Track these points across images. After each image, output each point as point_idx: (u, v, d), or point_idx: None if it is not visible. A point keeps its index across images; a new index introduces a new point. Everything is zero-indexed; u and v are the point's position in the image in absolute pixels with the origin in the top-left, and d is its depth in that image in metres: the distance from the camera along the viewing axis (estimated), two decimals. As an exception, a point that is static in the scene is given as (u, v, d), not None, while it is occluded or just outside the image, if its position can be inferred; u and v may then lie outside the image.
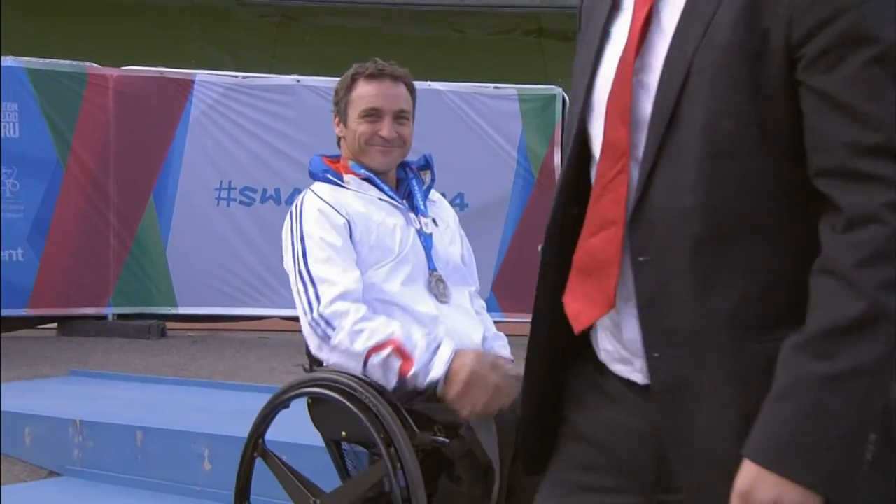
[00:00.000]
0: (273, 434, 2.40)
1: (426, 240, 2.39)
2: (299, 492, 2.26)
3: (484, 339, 2.41)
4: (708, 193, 1.17)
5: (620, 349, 1.29)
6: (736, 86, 1.16)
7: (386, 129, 2.39)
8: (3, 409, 4.38)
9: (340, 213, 2.32)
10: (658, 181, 1.21)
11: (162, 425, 3.82)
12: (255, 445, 2.35)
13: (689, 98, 1.18)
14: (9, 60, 7.27)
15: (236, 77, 7.70)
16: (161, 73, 7.61)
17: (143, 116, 7.45)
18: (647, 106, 1.23)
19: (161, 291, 7.50)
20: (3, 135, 7.18)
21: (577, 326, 1.31)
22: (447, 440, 2.12)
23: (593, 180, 1.31)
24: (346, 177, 2.41)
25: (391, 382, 2.18)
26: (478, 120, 7.70)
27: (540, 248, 1.42)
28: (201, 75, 7.67)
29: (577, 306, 1.31)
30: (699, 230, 1.18)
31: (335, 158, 2.49)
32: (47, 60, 7.46)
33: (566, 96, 7.82)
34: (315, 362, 2.31)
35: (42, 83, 7.26)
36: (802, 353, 1.12)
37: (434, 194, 2.57)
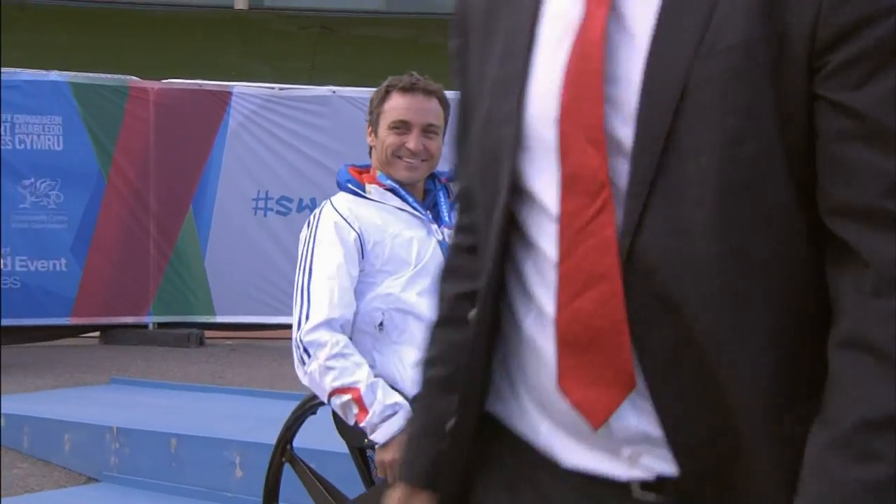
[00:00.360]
0: (303, 441, 2.45)
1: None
2: (324, 498, 2.30)
3: None
4: (725, 238, 0.93)
5: (599, 438, 0.99)
6: (757, 100, 0.92)
7: (413, 141, 2.42)
8: (43, 416, 4.50)
9: (352, 227, 2.36)
10: (652, 223, 0.95)
11: (196, 432, 3.89)
12: (284, 451, 2.40)
13: (688, 117, 0.93)
14: (53, 75, 7.45)
15: (273, 88, 7.81)
16: (200, 85, 7.75)
17: (183, 128, 7.59)
18: (621, 128, 0.96)
19: (200, 300, 7.62)
20: (47, 147, 7.36)
21: (597, 418, 0.98)
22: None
23: (538, 227, 1.02)
24: (369, 187, 2.45)
25: (350, 423, 2.28)
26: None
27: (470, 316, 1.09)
28: (239, 87, 7.80)
29: (586, 392, 0.98)
30: (718, 285, 0.93)
31: (365, 168, 2.53)
32: (90, 74, 7.64)
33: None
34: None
35: (85, 97, 7.43)
36: (837, 453, 0.89)
37: None
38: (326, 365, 2.24)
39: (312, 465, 2.40)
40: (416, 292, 2.34)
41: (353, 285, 2.33)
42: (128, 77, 7.71)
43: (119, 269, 7.55)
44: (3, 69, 7.76)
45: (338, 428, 2.36)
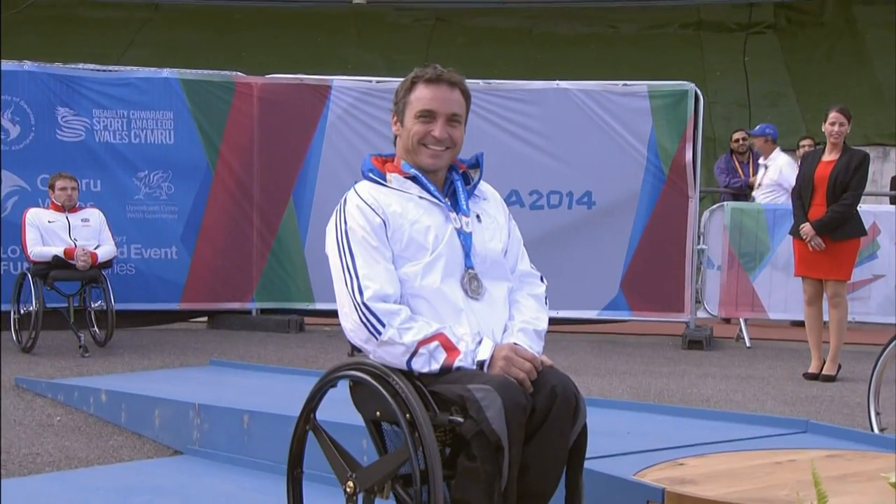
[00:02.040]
0: (328, 415, 2.63)
1: (465, 238, 2.53)
2: (339, 464, 2.48)
3: (504, 331, 2.51)
4: None
5: None
6: None
7: (438, 129, 2.53)
8: (139, 392, 4.86)
9: (377, 213, 2.49)
10: None
11: (267, 409, 4.14)
12: (308, 419, 2.59)
13: None
14: (165, 72, 7.93)
15: (370, 81, 8.06)
16: (300, 79, 8.08)
17: (284, 121, 7.94)
18: None
19: (300, 288, 7.96)
20: (160, 141, 7.83)
21: None
22: (462, 420, 2.28)
23: None
24: (390, 175, 2.57)
25: (434, 371, 2.37)
26: (606, 118, 7.71)
27: None
28: (338, 80, 8.08)
29: None
30: None
31: (390, 157, 2.67)
32: (198, 71, 8.07)
33: (699, 92, 7.71)
34: (356, 348, 2.52)
35: (194, 93, 7.87)
36: None
37: (486, 189, 2.71)
38: (404, 327, 2.38)
39: (332, 435, 2.56)
40: (431, 278, 2.47)
41: (393, 265, 2.46)
42: (233, 73, 8.11)
43: (225, 257, 7.97)
44: (121, 67, 8.32)
45: (354, 402, 2.52)
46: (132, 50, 14.95)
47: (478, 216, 2.60)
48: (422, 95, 2.56)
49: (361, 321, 2.41)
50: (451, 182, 2.63)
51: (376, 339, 2.39)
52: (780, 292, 7.86)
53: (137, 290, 7.74)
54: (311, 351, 7.04)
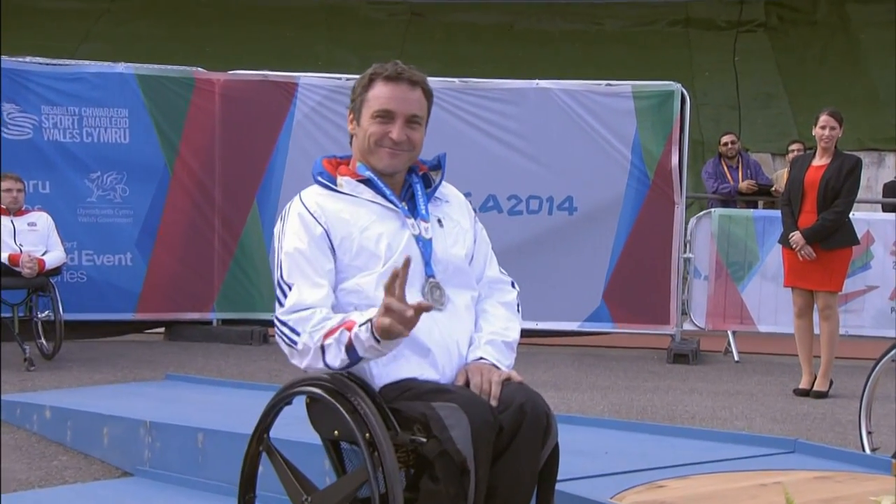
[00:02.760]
0: (284, 433, 2.58)
1: (425, 245, 2.49)
2: (293, 487, 2.44)
3: (469, 344, 2.48)
4: None
5: None
6: None
7: (396, 131, 2.48)
8: (86, 409, 4.78)
9: (319, 222, 2.44)
10: None
11: (223, 427, 4.08)
12: (260, 440, 2.55)
13: None
14: (120, 67, 7.85)
15: (339, 79, 8.02)
16: (265, 76, 8.03)
17: (248, 120, 7.89)
18: None
19: (263, 297, 7.87)
20: (114, 140, 7.75)
21: None
22: (425, 439, 2.25)
23: None
24: (341, 179, 2.53)
25: (344, 358, 2.30)
26: (589, 119, 7.72)
27: None
28: (305, 78, 8.04)
29: None
30: None
31: (345, 159, 2.63)
32: (155, 66, 8.00)
33: (685, 92, 7.73)
34: (312, 363, 2.49)
35: (151, 89, 7.80)
36: None
37: (449, 191, 2.67)
38: (316, 328, 2.34)
39: (286, 455, 2.52)
40: None
41: (330, 280, 2.42)
42: (193, 68, 8.05)
43: (184, 264, 7.90)
44: (73, 61, 8.23)
45: (311, 420, 2.48)
46: (88, 43, 14.83)
47: (439, 220, 2.56)
48: (380, 94, 2.51)
49: (280, 337, 2.39)
50: (409, 185, 2.59)
51: (293, 347, 2.36)
52: (770, 304, 7.88)
53: (89, 299, 7.66)
54: (275, 364, 6.98)
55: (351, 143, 2.61)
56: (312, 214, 2.45)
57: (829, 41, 15.47)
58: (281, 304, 2.40)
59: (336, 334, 2.31)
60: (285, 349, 2.40)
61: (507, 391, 2.31)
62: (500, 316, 2.56)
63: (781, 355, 7.63)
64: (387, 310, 2.20)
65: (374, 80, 2.54)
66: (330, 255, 2.43)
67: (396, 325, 2.19)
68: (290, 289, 2.40)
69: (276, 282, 2.45)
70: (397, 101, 2.51)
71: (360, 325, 2.28)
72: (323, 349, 2.32)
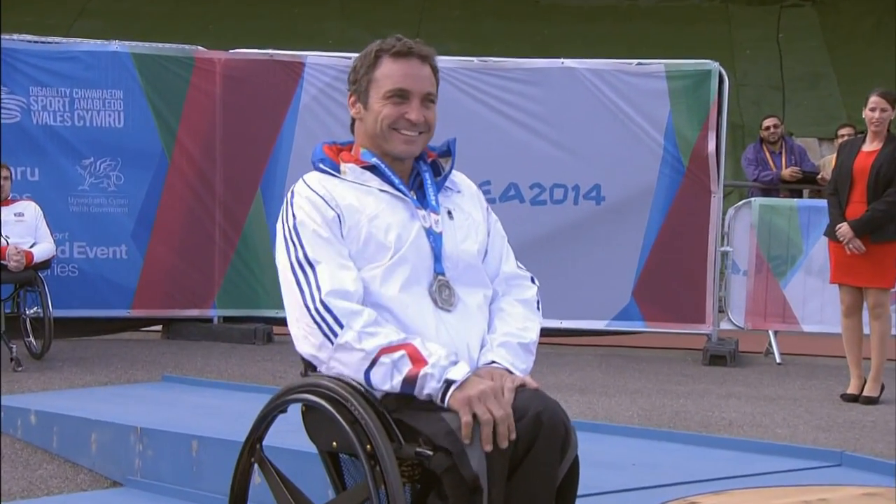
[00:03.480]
0: (279, 440, 2.53)
1: (435, 240, 2.44)
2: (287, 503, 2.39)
3: (480, 347, 2.42)
4: None
5: None
6: None
7: (414, 112, 2.43)
8: (73, 414, 4.77)
9: (330, 206, 2.40)
10: None
11: (218, 434, 4.05)
12: (252, 451, 2.49)
13: None
14: (114, 45, 7.82)
15: (349, 58, 7.93)
16: (270, 55, 7.99)
17: (252, 103, 7.84)
18: None
19: (268, 293, 7.84)
20: (107, 124, 7.74)
21: None
22: (431, 453, 2.19)
23: None
24: (344, 166, 2.48)
25: (395, 385, 2.26)
26: (618, 101, 7.64)
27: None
28: (312, 57, 7.99)
29: None
30: None
31: (346, 146, 2.57)
32: (152, 44, 7.98)
33: (724, 72, 7.64)
34: (309, 366, 2.43)
35: (147, 69, 7.77)
36: None
37: (459, 180, 2.61)
38: (367, 331, 2.27)
39: (280, 467, 2.47)
40: (395, 286, 2.37)
41: (352, 261, 2.37)
42: (193, 47, 8.02)
43: (182, 257, 7.87)
44: (64, 39, 8.22)
45: (307, 430, 2.43)
46: (82, 20, 14.88)
47: (449, 212, 2.51)
48: (391, 72, 2.46)
49: (315, 321, 2.31)
50: (417, 173, 2.53)
51: (331, 342, 2.29)
52: (815, 301, 7.79)
53: (81, 294, 7.64)
54: (279, 365, 6.96)
55: (352, 128, 2.55)
56: (322, 197, 2.41)
57: (882, 16, 15.29)
58: (313, 287, 2.32)
59: (394, 355, 2.26)
60: (315, 338, 2.31)
61: (521, 399, 2.24)
62: (517, 315, 2.50)
63: (827, 357, 7.54)
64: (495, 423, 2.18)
65: (380, 56, 2.48)
66: (343, 242, 2.39)
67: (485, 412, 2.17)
68: (317, 267, 2.33)
69: (295, 262, 2.36)
70: (411, 78, 2.46)
71: (434, 374, 2.24)
72: (373, 362, 2.27)
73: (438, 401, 2.24)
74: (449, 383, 2.23)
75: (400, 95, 2.45)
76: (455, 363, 2.27)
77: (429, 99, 2.48)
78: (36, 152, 7.61)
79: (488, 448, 2.15)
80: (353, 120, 2.55)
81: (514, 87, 7.76)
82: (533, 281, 2.60)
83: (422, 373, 2.24)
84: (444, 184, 2.55)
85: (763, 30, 15.52)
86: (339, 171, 2.48)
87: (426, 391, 2.25)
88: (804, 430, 5.41)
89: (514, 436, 2.17)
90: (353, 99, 2.52)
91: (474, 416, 2.17)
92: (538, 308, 2.57)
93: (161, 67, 7.80)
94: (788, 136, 9.96)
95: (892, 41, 14.51)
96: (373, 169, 2.48)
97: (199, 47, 8.06)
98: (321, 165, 2.51)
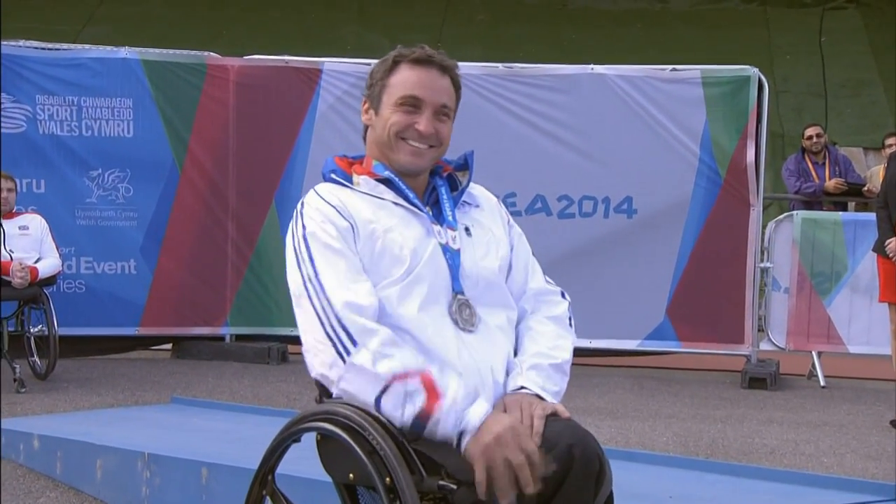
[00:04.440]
0: (293, 468, 2.48)
1: (452, 257, 2.40)
2: (303, 542, 2.35)
3: (508, 372, 2.37)
4: None
5: None
6: None
7: (424, 122, 2.40)
8: (78, 438, 4.74)
9: (343, 216, 2.37)
10: None
11: (229, 461, 4.01)
12: (264, 482, 2.46)
13: None
14: (123, 51, 7.85)
15: (369, 64, 7.93)
16: (286, 62, 8.00)
17: (266, 111, 7.87)
18: None
19: (283, 310, 7.83)
20: (116, 134, 7.76)
21: None
22: (455, 486, 2.14)
23: None
24: (358, 178, 2.45)
25: (407, 419, 2.22)
26: (651, 109, 7.62)
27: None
28: (330, 63, 8.00)
29: None
30: None
31: (358, 159, 2.54)
32: (163, 51, 8.01)
33: (763, 78, 7.59)
34: (325, 392, 2.39)
35: (158, 76, 7.80)
36: None
37: (478, 193, 2.58)
38: (383, 352, 2.23)
39: (294, 499, 2.43)
40: (413, 305, 2.33)
41: (366, 274, 2.34)
42: (205, 53, 8.04)
43: (193, 272, 7.89)
44: (72, 45, 8.26)
45: (323, 461, 2.39)
46: (90, 26, 14.97)
47: (466, 229, 2.47)
48: (405, 79, 2.43)
49: (329, 336, 2.26)
50: (433, 188, 2.50)
51: (344, 360, 2.24)
52: (862, 321, 7.73)
53: (88, 311, 7.66)
54: (294, 386, 6.94)
55: (365, 136, 2.52)
56: (335, 207, 2.38)
57: (930, 19, 15.17)
58: (324, 302, 2.28)
59: (409, 384, 2.21)
60: (326, 357, 2.27)
61: (551, 429, 2.19)
62: (548, 333, 2.45)
63: (875, 380, 7.49)
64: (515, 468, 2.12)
65: (398, 63, 2.45)
66: (356, 253, 2.35)
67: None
68: (327, 280, 2.30)
69: (306, 278, 2.33)
70: (426, 87, 2.42)
71: (449, 416, 2.18)
72: (385, 388, 2.22)
73: (454, 445, 2.18)
74: (462, 430, 2.17)
75: (412, 104, 2.42)
76: (472, 402, 2.20)
77: (443, 112, 2.44)
78: (42, 163, 7.65)
79: (505, 502, 2.09)
80: (363, 131, 2.53)
81: (541, 95, 7.74)
82: (564, 296, 2.55)
83: (435, 416, 2.18)
84: (460, 198, 2.52)
85: (804, 33, 15.43)
86: (351, 182, 2.45)
87: (439, 435, 2.19)
88: (852, 460, 5.34)
89: (538, 485, 2.10)
90: (366, 105, 2.50)
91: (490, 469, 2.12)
92: (571, 325, 2.52)
93: (172, 75, 7.83)
94: (832, 146, 9.88)
95: (941, 45, 14.41)
96: (387, 182, 2.45)
97: (212, 54, 8.09)
98: (333, 176, 2.48)
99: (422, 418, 2.20)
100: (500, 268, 2.48)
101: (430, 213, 2.45)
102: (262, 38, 13.99)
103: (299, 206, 2.43)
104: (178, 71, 7.85)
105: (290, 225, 2.42)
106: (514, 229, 2.58)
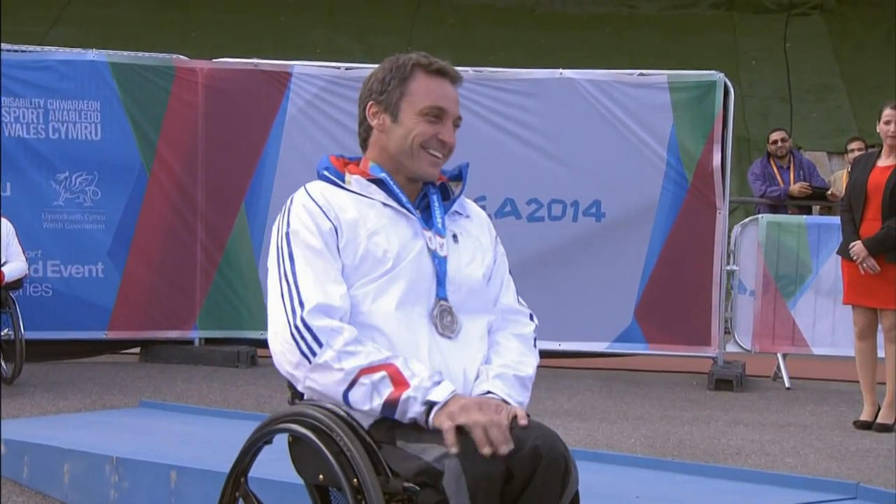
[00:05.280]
0: (266, 471, 2.50)
1: (440, 263, 2.44)
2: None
3: (476, 376, 2.41)
4: None
5: None
6: None
7: (448, 133, 2.48)
8: (45, 443, 4.72)
9: (328, 217, 2.40)
10: None
11: (198, 465, 4.00)
12: (236, 484, 2.47)
13: None
14: (91, 54, 7.81)
15: (338, 68, 7.96)
16: (255, 65, 7.99)
17: (235, 114, 7.84)
18: None
19: (252, 313, 7.84)
20: (83, 137, 7.72)
21: None
22: (419, 487, 2.17)
23: None
24: (350, 177, 2.49)
25: (375, 408, 2.26)
26: (619, 113, 7.66)
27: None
28: (300, 66, 7.99)
29: None
30: None
31: (354, 160, 2.57)
32: (130, 53, 7.98)
33: (729, 83, 7.65)
34: (297, 394, 2.41)
35: (126, 79, 7.76)
36: None
37: (470, 206, 2.63)
38: (346, 350, 2.27)
39: (267, 501, 2.44)
40: (390, 303, 2.36)
41: (343, 277, 2.38)
42: (173, 56, 8.01)
43: (162, 276, 7.85)
44: (39, 48, 8.21)
45: (294, 462, 2.40)
46: (58, 28, 14.88)
47: (455, 236, 2.51)
48: (430, 89, 2.48)
49: (294, 338, 2.31)
50: (424, 194, 2.53)
51: (309, 361, 2.29)
52: (826, 323, 7.79)
53: (54, 315, 7.61)
54: (264, 389, 6.93)
55: (366, 140, 2.54)
56: (321, 207, 2.41)
57: (893, 24, 15.36)
58: (295, 302, 2.32)
59: (374, 376, 2.26)
60: (292, 356, 2.31)
61: (517, 431, 2.22)
62: (514, 349, 2.50)
63: (839, 381, 7.55)
64: (484, 427, 2.17)
65: (416, 70, 2.49)
66: (338, 256, 2.39)
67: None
68: (302, 282, 2.34)
69: (282, 275, 2.37)
70: (448, 98, 2.50)
71: (416, 396, 2.24)
72: (353, 383, 2.27)
73: (423, 423, 2.24)
74: (431, 405, 2.23)
75: (436, 115, 2.47)
76: (438, 383, 2.26)
77: (457, 123, 2.54)
78: (8, 166, 7.58)
79: (487, 451, 2.14)
80: (364, 133, 2.54)
81: (511, 99, 7.77)
82: (532, 318, 2.60)
83: (403, 396, 2.24)
84: (451, 207, 2.56)
85: (769, 39, 15.58)
86: (343, 181, 2.48)
87: (409, 415, 2.25)
88: (815, 460, 5.39)
89: (511, 445, 2.16)
90: (374, 109, 2.51)
91: (459, 428, 2.18)
92: (535, 346, 2.58)
93: (140, 77, 7.79)
94: (796, 150, 9.99)
95: (904, 51, 14.58)
96: (379, 183, 2.48)
97: (181, 56, 8.07)
98: (325, 173, 2.51)
99: (390, 406, 2.26)
100: (484, 275, 2.53)
101: (420, 216, 2.48)
102: (232, 40, 13.96)
103: (288, 201, 2.47)
104: (146, 73, 7.81)
105: (278, 219, 2.47)
106: (498, 246, 2.64)
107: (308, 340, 2.29)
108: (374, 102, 2.51)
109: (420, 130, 2.46)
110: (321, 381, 2.29)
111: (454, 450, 2.15)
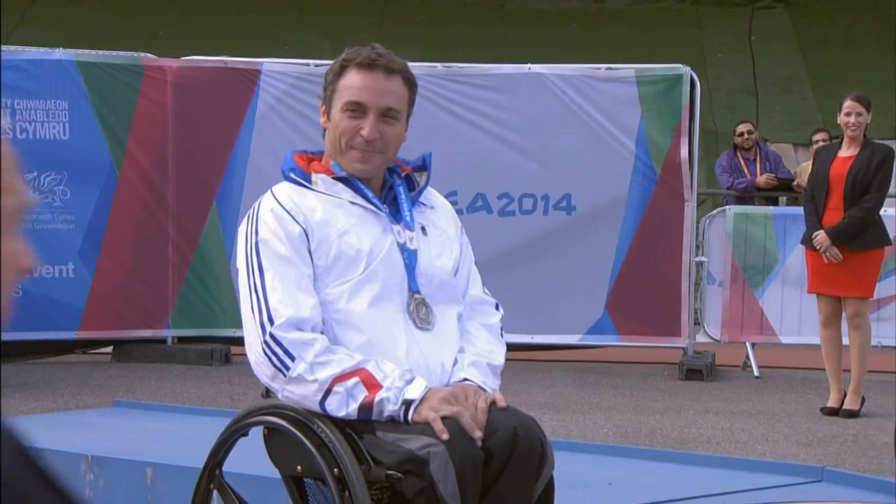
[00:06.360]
0: (240, 466, 2.52)
1: (409, 257, 2.46)
2: (251, 534, 2.39)
3: (454, 365, 2.45)
4: None
5: None
6: None
7: (368, 127, 2.43)
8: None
9: (296, 220, 2.41)
10: None
11: (175, 460, 4.02)
12: (211, 476, 2.49)
13: None
14: (58, 53, 7.77)
15: (307, 65, 7.97)
16: (224, 62, 7.98)
17: (205, 112, 7.82)
18: None
19: (225, 311, 7.81)
20: (51, 136, 7.69)
21: None
22: (401, 475, 2.21)
23: None
24: (316, 177, 2.49)
25: (352, 413, 2.29)
26: (587, 107, 7.69)
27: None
28: (269, 64, 7.99)
29: None
30: None
31: (318, 154, 2.58)
32: (99, 52, 7.94)
33: (695, 77, 7.71)
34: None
35: (94, 77, 7.72)
36: None
37: (434, 196, 2.65)
38: (318, 361, 2.30)
39: (243, 494, 2.47)
40: (364, 302, 2.39)
41: (313, 284, 2.39)
42: (141, 54, 7.98)
43: (133, 275, 7.82)
44: (5, 47, 8.16)
45: (270, 454, 2.43)
46: (23, 27, 14.75)
47: (423, 228, 2.53)
48: (351, 83, 2.48)
49: (266, 353, 2.33)
50: (390, 186, 2.55)
51: (283, 375, 2.32)
52: (793, 312, 7.87)
53: (25, 315, 7.52)
54: (238, 387, 6.93)
55: (324, 136, 2.57)
56: (289, 212, 2.42)
57: (857, 18, 15.52)
58: (264, 317, 2.34)
59: (348, 383, 2.29)
60: (267, 370, 2.34)
61: (496, 415, 2.27)
62: (483, 338, 2.55)
63: (806, 369, 7.62)
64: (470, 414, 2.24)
65: (346, 66, 2.50)
66: (309, 260, 2.40)
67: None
68: (271, 295, 2.35)
69: (251, 287, 2.38)
70: (370, 91, 2.46)
71: (389, 397, 2.27)
72: (327, 392, 2.30)
73: (401, 421, 2.27)
74: (408, 403, 2.26)
75: (356, 108, 2.46)
76: (411, 381, 2.30)
77: (389, 115, 2.48)
78: (-24, 166, 7.53)
79: (478, 435, 2.20)
80: (323, 131, 2.58)
81: (480, 94, 7.79)
82: (498, 308, 2.64)
83: (377, 398, 2.28)
84: (418, 199, 2.57)
85: (735, 32, 15.69)
86: (310, 182, 2.49)
87: (386, 414, 2.29)
88: (784, 446, 5.46)
89: (480, 433, 2.23)
90: (322, 108, 2.55)
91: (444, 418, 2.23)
92: (502, 335, 2.62)
93: (108, 76, 7.75)
94: (763, 142, 10.08)
95: (867, 43, 14.73)
96: (344, 181, 2.49)
97: (149, 55, 8.04)
98: (292, 175, 2.51)
99: (366, 409, 2.29)
100: (453, 267, 2.57)
101: (388, 211, 2.49)
102: (200, 38, 13.90)
103: (255, 205, 2.47)
104: (114, 72, 7.78)
105: (244, 225, 2.46)
106: (464, 237, 2.67)
107: (280, 355, 2.32)
108: (322, 102, 2.55)
109: (343, 127, 2.46)
110: (297, 393, 2.33)
111: (445, 436, 2.19)
